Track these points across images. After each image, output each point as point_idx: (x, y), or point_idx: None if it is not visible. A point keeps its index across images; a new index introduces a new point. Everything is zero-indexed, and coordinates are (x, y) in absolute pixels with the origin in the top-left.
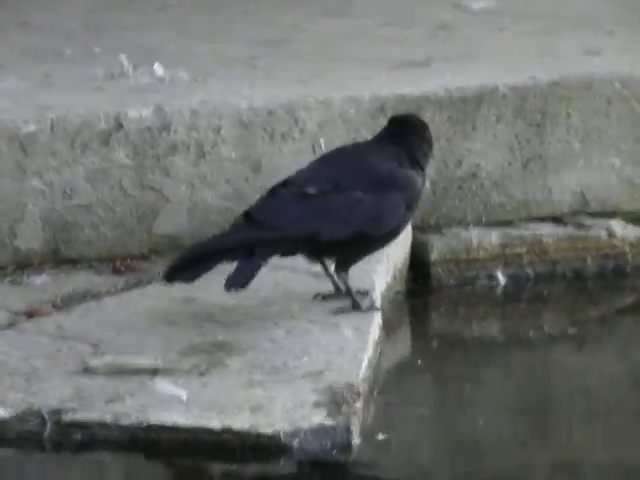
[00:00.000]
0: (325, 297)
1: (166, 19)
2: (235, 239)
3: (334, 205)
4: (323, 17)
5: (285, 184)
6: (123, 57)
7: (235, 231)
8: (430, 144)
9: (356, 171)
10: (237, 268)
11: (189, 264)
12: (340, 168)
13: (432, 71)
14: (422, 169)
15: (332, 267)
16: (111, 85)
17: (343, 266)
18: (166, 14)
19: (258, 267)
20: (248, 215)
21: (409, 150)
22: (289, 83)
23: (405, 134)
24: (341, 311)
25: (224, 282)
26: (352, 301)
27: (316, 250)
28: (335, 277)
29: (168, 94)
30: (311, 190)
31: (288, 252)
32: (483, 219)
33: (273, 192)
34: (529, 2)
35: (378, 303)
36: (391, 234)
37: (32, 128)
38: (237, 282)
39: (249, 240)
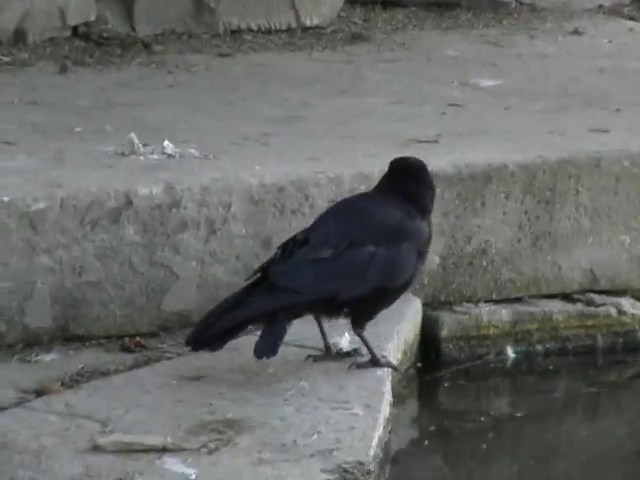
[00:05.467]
0: (316, 358)
1: (177, 96)
2: (259, 309)
3: (350, 263)
4: (334, 95)
5: (298, 242)
6: (133, 135)
7: (257, 299)
8: (432, 186)
9: (366, 225)
10: (263, 335)
11: (212, 333)
12: (350, 223)
13: (441, 148)
14: (429, 213)
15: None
16: (121, 162)
17: (359, 323)
18: (177, 91)
19: (284, 331)
20: (265, 278)
21: (414, 198)
22: (300, 160)
23: (407, 181)
24: (358, 366)
25: (253, 350)
26: (371, 356)
27: (333, 308)
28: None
29: (178, 171)
30: (326, 251)
31: (305, 312)
32: (493, 295)
33: (288, 252)
34: (537, 81)
35: (395, 363)
36: (406, 285)
37: (42, 205)
38: (267, 349)
39: (273, 308)
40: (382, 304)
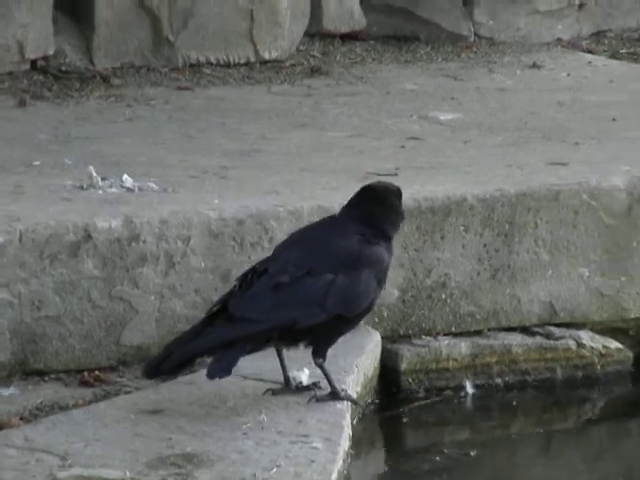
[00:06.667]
0: (275, 392)
1: (136, 130)
2: (218, 339)
3: (308, 291)
4: (293, 129)
5: (257, 273)
6: (92, 168)
7: (216, 330)
8: (398, 211)
9: (325, 253)
10: (216, 359)
11: (170, 362)
12: (309, 252)
13: (400, 181)
14: (390, 239)
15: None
16: (80, 196)
17: (320, 352)
18: (136, 125)
19: (238, 356)
20: (225, 309)
21: (375, 222)
22: (259, 193)
23: (371, 205)
24: (318, 400)
25: (206, 371)
26: (331, 388)
27: (292, 337)
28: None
29: (137, 205)
30: (284, 278)
31: (264, 343)
32: (453, 328)
33: (247, 282)
34: (495, 114)
35: (354, 397)
36: (365, 311)
37: (0, 239)
38: (220, 370)
39: (231, 338)
40: (340, 331)
